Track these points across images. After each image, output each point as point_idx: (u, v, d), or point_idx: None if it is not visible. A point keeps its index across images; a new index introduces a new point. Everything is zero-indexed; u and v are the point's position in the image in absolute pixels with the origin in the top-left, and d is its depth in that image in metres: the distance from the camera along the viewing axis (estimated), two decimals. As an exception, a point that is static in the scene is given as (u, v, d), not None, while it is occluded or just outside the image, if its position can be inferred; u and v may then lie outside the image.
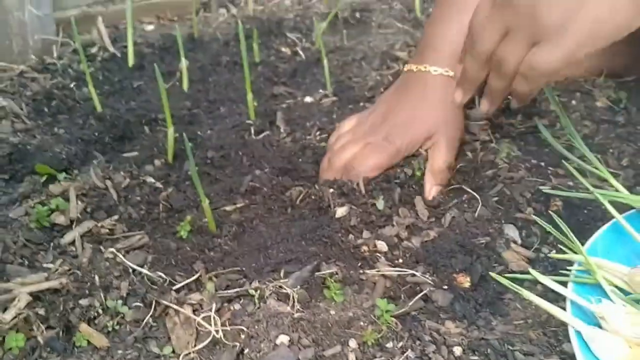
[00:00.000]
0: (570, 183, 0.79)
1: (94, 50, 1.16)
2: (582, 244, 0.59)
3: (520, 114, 0.93)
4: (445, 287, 0.64)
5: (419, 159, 0.78)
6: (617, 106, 0.97)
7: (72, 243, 0.70)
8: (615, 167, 0.83)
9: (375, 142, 0.78)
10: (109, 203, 0.76)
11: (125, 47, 1.14)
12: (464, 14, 0.70)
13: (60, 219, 0.72)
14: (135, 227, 0.73)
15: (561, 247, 0.63)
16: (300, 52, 1.16)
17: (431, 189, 0.76)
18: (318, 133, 0.90)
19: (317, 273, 0.64)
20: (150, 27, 1.28)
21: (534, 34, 0.58)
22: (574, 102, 0.98)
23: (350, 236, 0.70)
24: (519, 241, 0.69)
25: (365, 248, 0.69)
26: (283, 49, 1.17)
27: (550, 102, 0.97)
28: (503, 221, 0.71)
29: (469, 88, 0.69)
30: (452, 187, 0.77)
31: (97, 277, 0.64)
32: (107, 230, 0.72)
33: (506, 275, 0.59)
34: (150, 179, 0.80)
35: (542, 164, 0.83)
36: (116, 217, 0.74)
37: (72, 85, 1.02)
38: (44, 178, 0.78)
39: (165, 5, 1.33)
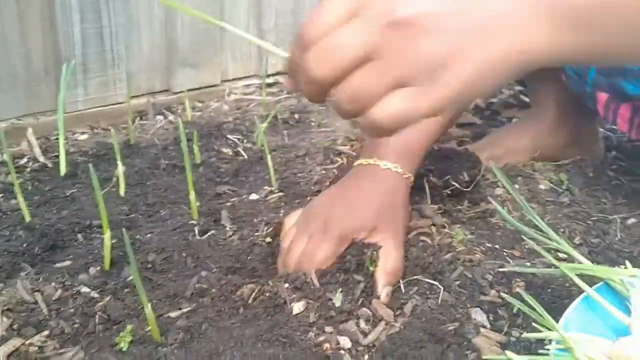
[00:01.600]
0: (528, 263, 0.78)
1: (23, 161, 1.11)
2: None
3: (467, 200, 0.93)
4: (418, 381, 0.59)
5: (370, 251, 0.74)
6: (559, 187, 0.99)
7: (-6, 366, 0.61)
8: (570, 246, 0.82)
9: (317, 235, 0.74)
10: (38, 318, 0.68)
11: (57, 157, 1.09)
12: None
13: (-20, 339, 0.64)
14: (69, 342, 0.65)
15: (532, 327, 0.60)
16: (242, 152, 1.14)
17: (383, 290, 0.71)
18: (266, 229, 0.86)
19: (277, 377, 0.58)
20: (83, 137, 1.24)
21: (405, 72, 0.44)
22: (517, 185, 1.00)
23: (310, 334, 0.65)
24: (488, 325, 0.66)
25: (327, 345, 0.64)
26: (224, 150, 1.15)
27: (498, 185, 0.98)
28: (468, 305, 0.68)
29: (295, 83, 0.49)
30: (410, 277, 0.74)
31: (22, 403, 0.55)
32: (37, 348, 0.64)
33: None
34: (85, 289, 0.73)
35: (497, 246, 0.82)
36: (46, 332, 0.66)
37: (-2, 197, 0.96)
38: (-37, 295, 0.70)
39: (99, 115, 1.30)
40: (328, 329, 0.66)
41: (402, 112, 0.45)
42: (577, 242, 0.83)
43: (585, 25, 0.51)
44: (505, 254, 0.80)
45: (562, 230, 0.86)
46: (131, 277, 0.74)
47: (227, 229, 0.87)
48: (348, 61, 0.44)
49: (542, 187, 1.00)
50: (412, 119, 0.46)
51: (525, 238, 0.75)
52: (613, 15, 0.51)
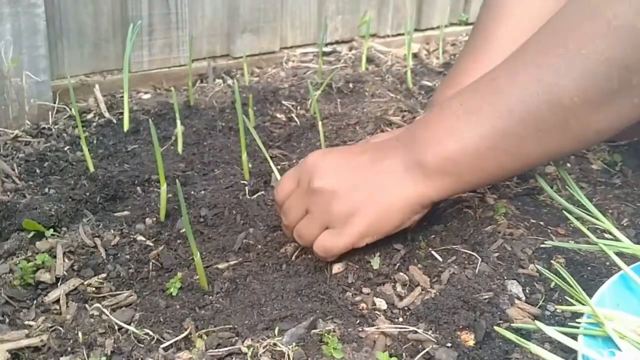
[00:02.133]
0: (572, 241, 0.77)
1: (89, 116, 1.17)
2: (589, 297, 0.57)
3: (516, 177, 0.92)
4: (449, 344, 0.61)
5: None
6: (612, 169, 0.98)
7: (57, 301, 0.67)
8: (616, 227, 0.81)
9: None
10: (97, 261, 0.73)
11: (121, 114, 1.15)
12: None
13: (45, 277, 0.69)
14: (123, 285, 0.70)
15: (567, 302, 0.61)
16: (295, 118, 1.17)
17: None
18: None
19: (313, 330, 0.61)
20: (146, 96, 1.29)
21: (327, 220, 0.68)
22: (569, 165, 0.99)
23: (348, 293, 0.68)
24: (523, 297, 0.67)
25: (363, 305, 0.67)
26: (278, 115, 1.18)
27: (550, 163, 0.97)
28: (505, 277, 0.69)
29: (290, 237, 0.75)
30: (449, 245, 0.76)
31: (80, 334, 0.60)
32: (94, 289, 0.69)
33: (513, 328, 0.57)
34: (141, 238, 0.78)
35: (542, 223, 0.82)
36: (104, 275, 0.71)
37: (65, 149, 1.02)
38: (31, 235, 0.75)
39: (162, 76, 1.35)
40: (365, 290, 0.68)
41: (328, 245, 0.68)
42: (625, 224, 0.82)
43: (462, 171, 0.66)
44: (549, 231, 0.80)
45: (610, 211, 0.85)
46: (184, 229, 0.79)
47: (276, 190, 0.90)
48: (294, 216, 0.71)
49: (594, 167, 0.99)
50: (336, 250, 0.69)
51: (569, 216, 0.75)
52: (488, 158, 0.65)
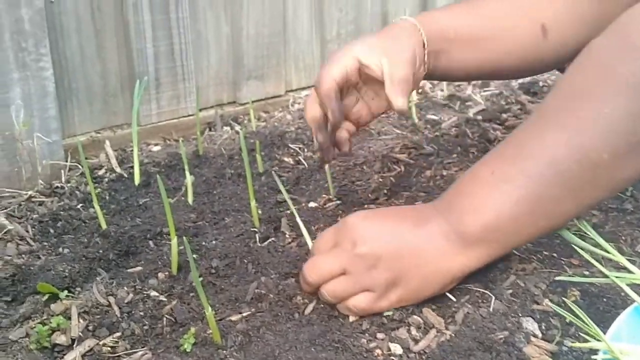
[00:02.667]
0: (587, 272, 0.77)
1: (101, 172, 1.19)
2: (605, 332, 0.56)
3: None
4: (466, 388, 0.60)
5: None
6: (623, 194, 0.97)
7: (73, 363, 0.67)
8: (630, 254, 0.81)
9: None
10: (111, 320, 0.73)
11: (132, 167, 1.16)
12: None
13: (61, 339, 0.70)
14: (138, 343, 0.70)
15: (583, 337, 0.60)
16: (303, 161, 1.18)
17: (397, 98, 0.79)
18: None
19: (328, 380, 0.61)
20: (156, 148, 1.31)
21: (367, 284, 0.69)
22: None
23: (362, 340, 0.67)
24: (539, 334, 0.66)
25: (379, 352, 0.66)
26: (286, 159, 1.20)
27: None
28: (520, 314, 0.68)
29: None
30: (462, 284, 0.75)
31: (96, 398, 0.60)
32: (109, 349, 0.69)
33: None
34: (154, 293, 0.78)
35: (555, 255, 0.81)
36: (118, 334, 0.71)
37: (78, 206, 1.03)
38: (46, 297, 0.76)
39: (171, 127, 1.37)
40: (380, 335, 0.68)
41: (365, 307, 0.69)
42: (639, 250, 0.81)
43: (500, 238, 0.68)
44: (562, 262, 0.79)
45: (623, 238, 0.84)
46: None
47: (287, 236, 0.90)
48: (328, 273, 0.70)
49: (605, 193, 0.98)
50: (372, 312, 0.70)
51: (580, 251, 0.74)
52: (525, 222, 0.67)
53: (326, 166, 1.01)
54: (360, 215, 0.73)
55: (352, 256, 0.69)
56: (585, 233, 0.78)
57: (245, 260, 0.84)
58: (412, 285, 0.69)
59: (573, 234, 0.80)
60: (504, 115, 1.40)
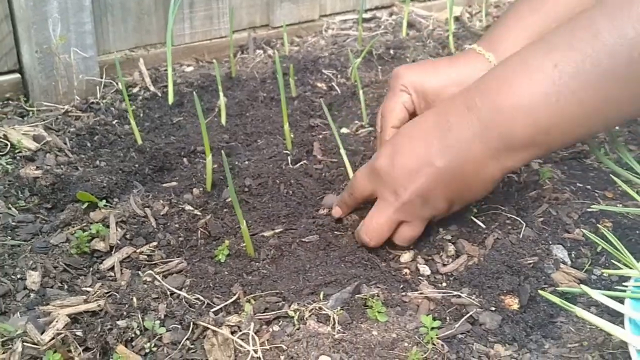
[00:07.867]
0: (620, 205, 0.76)
1: (135, 90, 1.19)
2: (637, 261, 0.56)
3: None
4: (493, 308, 0.61)
5: None
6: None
7: (112, 268, 0.70)
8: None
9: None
10: (147, 230, 0.76)
11: (166, 87, 1.17)
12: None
13: (100, 245, 0.72)
14: (174, 253, 0.73)
15: (614, 266, 0.60)
16: (336, 87, 1.17)
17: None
18: (355, 161, 0.89)
19: (357, 295, 0.62)
20: (189, 69, 1.31)
21: (429, 217, 0.70)
22: (617, 127, 0.96)
23: (391, 261, 0.68)
24: (569, 262, 0.66)
25: (407, 271, 0.67)
26: (319, 85, 1.19)
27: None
28: (550, 242, 0.69)
29: (346, 211, 0.76)
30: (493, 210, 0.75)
31: (134, 300, 0.63)
32: (146, 257, 0.72)
33: (558, 292, 0.57)
34: (189, 207, 0.80)
35: (589, 187, 0.81)
36: (155, 243, 0.74)
37: (114, 122, 1.05)
38: (85, 206, 0.79)
39: (204, 48, 1.36)
40: (408, 256, 0.69)
41: (414, 234, 0.70)
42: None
43: (551, 140, 0.62)
44: (596, 194, 0.79)
45: (660, 173, 0.83)
46: (230, 199, 0.80)
47: (319, 159, 0.91)
48: (388, 231, 0.69)
49: (644, 129, 0.96)
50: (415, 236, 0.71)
51: (616, 179, 0.73)
52: (581, 124, 0.61)
53: (360, 92, 1.00)
54: (388, 157, 0.68)
55: (401, 206, 0.67)
56: (622, 161, 0.77)
57: (278, 181, 0.85)
58: (462, 200, 0.69)
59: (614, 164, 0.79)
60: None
